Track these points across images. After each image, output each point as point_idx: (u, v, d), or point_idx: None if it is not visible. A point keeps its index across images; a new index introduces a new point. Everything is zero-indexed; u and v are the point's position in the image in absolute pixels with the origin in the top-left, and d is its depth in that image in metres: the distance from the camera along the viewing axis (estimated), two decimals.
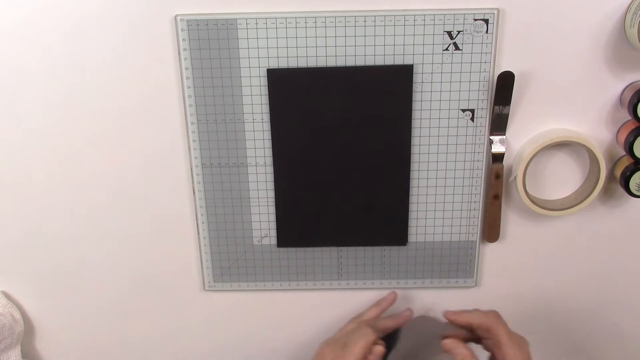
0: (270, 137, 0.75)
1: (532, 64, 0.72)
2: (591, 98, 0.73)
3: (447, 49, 0.71)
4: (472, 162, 0.76)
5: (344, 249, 0.82)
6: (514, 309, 0.86)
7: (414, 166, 0.77)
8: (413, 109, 0.74)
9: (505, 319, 0.86)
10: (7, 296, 0.84)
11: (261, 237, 0.81)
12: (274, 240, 0.81)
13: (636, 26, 0.66)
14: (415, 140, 0.75)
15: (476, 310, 0.76)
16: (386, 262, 0.82)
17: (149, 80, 0.73)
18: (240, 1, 0.70)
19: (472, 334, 0.76)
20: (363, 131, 0.74)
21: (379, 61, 0.72)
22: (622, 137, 0.73)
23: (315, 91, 0.73)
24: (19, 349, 0.84)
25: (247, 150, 0.76)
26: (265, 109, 0.74)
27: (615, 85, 0.72)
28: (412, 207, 0.79)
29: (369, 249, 0.82)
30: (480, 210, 0.79)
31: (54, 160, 0.77)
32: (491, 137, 0.75)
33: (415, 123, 0.75)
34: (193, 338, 0.88)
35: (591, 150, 0.73)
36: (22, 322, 0.84)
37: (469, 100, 0.73)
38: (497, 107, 0.73)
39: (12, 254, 0.82)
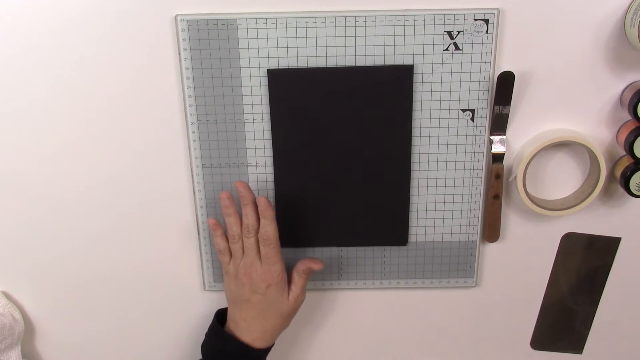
0: (270, 137, 0.75)
1: (532, 64, 0.72)
2: (591, 98, 0.73)
3: (447, 49, 0.71)
4: (472, 162, 0.76)
5: (344, 249, 0.82)
6: (514, 309, 0.86)
7: (414, 166, 0.77)
8: (413, 109, 0.74)
9: (505, 319, 0.86)
10: (7, 296, 0.84)
11: None
12: None
13: (636, 26, 0.66)
14: (415, 141, 0.75)
15: None
16: (386, 262, 0.82)
17: (149, 80, 0.73)
18: (240, 1, 0.70)
19: None
20: (363, 131, 0.74)
21: (379, 61, 0.72)
22: (622, 137, 0.73)
23: (315, 91, 0.73)
24: (19, 349, 0.84)
25: (247, 150, 0.76)
26: (265, 109, 0.74)
27: (615, 85, 0.72)
28: (412, 207, 0.79)
29: (369, 249, 0.82)
30: (480, 210, 0.79)
31: (54, 161, 0.77)
32: (491, 137, 0.75)
33: (415, 123, 0.75)
34: (193, 338, 0.87)
35: (591, 150, 0.73)
36: (22, 322, 0.84)
37: (469, 100, 0.73)
38: (497, 107, 0.73)
39: (12, 254, 0.82)
